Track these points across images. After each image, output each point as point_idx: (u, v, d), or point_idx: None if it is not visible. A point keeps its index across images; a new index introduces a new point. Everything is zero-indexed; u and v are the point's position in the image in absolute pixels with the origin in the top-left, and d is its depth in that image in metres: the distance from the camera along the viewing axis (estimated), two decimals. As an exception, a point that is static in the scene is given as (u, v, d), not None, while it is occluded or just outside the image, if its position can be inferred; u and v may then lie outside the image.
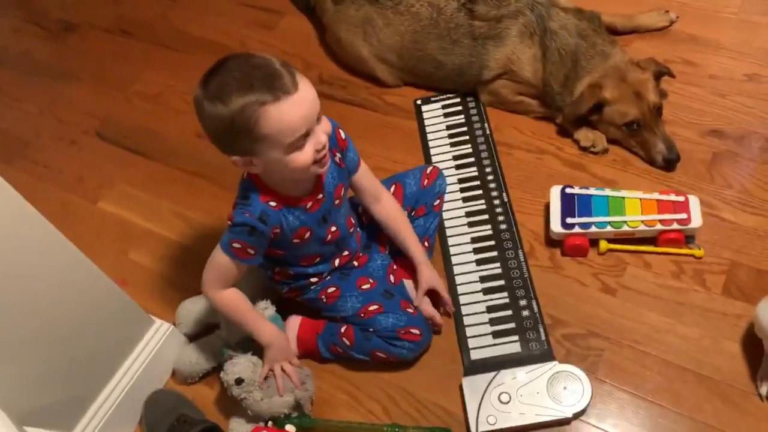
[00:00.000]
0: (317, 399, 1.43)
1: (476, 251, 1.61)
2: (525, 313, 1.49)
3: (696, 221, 1.49)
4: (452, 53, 1.84)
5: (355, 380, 1.47)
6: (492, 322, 1.49)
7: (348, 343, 1.42)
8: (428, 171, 1.59)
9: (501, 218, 1.65)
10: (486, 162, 1.77)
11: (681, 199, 1.53)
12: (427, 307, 1.47)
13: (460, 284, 1.56)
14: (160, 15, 2.43)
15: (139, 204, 1.88)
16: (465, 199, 1.70)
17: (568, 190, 1.58)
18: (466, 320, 1.50)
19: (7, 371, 1.14)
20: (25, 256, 1.11)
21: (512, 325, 1.48)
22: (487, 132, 1.84)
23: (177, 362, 1.49)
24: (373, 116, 1.95)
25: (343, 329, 1.43)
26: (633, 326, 1.45)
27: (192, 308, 1.54)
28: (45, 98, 2.24)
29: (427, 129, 1.88)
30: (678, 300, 1.47)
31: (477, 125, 1.85)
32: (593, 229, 1.52)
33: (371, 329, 1.40)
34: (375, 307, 1.41)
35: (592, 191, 1.57)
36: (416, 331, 1.40)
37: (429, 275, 1.46)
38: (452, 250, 1.62)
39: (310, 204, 1.30)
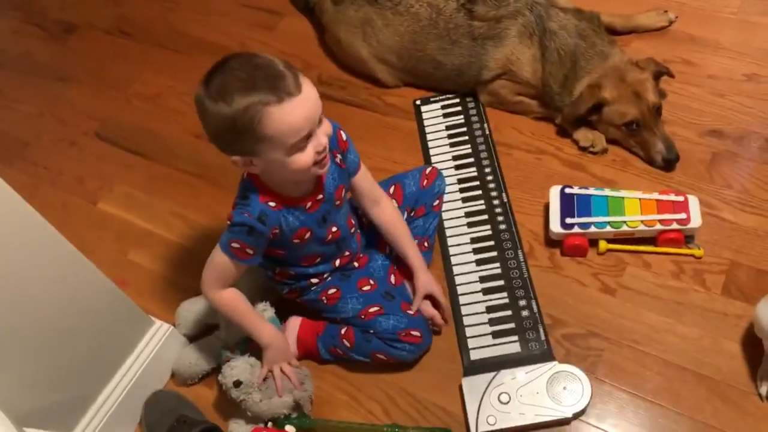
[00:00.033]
0: (317, 399, 1.43)
1: (476, 251, 1.61)
2: (525, 313, 1.49)
3: (695, 221, 1.50)
4: (451, 54, 1.84)
5: (355, 381, 1.47)
6: (492, 322, 1.49)
7: (348, 344, 1.42)
8: (427, 171, 1.59)
9: (500, 218, 1.65)
10: (485, 162, 1.77)
11: (680, 199, 1.53)
12: (427, 308, 1.46)
13: (459, 284, 1.56)
14: (160, 16, 2.43)
15: (138, 205, 1.88)
16: (464, 200, 1.70)
17: (567, 190, 1.58)
18: (466, 320, 1.50)
19: (6, 372, 1.14)
20: (25, 257, 1.12)
21: (512, 325, 1.48)
22: (487, 132, 1.84)
23: (176, 363, 1.49)
24: (373, 117, 1.95)
25: (343, 331, 1.43)
26: (633, 326, 1.45)
27: (191, 309, 1.55)
28: (45, 99, 2.24)
29: (427, 129, 1.88)
30: (678, 300, 1.47)
31: (476, 125, 1.86)
32: (592, 229, 1.53)
33: (371, 331, 1.39)
34: (375, 308, 1.41)
35: (591, 191, 1.58)
36: (417, 333, 1.40)
37: (425, 281, 1.46)
38: (452, 251, 1.62)
39: (309, 204, 1.30)
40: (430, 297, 1.47)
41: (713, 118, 1.75)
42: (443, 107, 1.92)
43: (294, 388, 1.37)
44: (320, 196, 1.30)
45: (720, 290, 1.47)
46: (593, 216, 1.53)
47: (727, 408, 1.32)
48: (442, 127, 1.88)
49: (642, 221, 1.51)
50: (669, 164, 1.66)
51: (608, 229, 1.52)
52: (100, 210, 1.90)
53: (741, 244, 1.53)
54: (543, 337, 1.45)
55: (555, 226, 1.54)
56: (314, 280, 1.44)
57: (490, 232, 1.63)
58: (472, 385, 1.38)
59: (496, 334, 1.47)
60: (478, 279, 1.56)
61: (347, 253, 1.46)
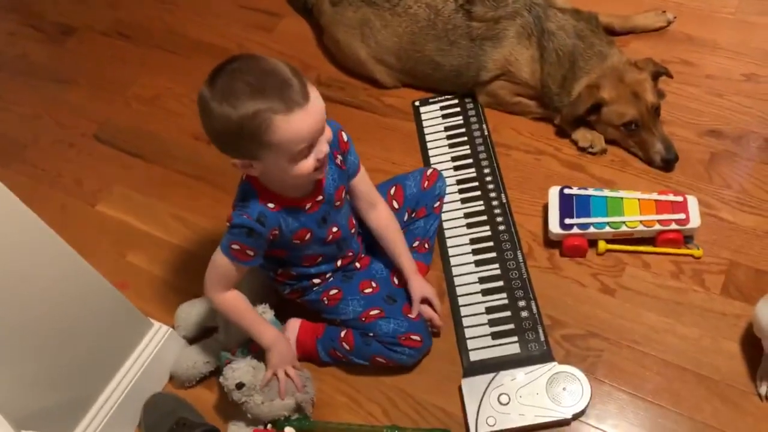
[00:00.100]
0: (317, 401, 1.43)
1: (475, 252, 1.61)
2: (524, 314, 1.49)
3: (694, 221, 1.50)
4: (450, 54, 1.84)
5: (355, 382, 1.46)
6: (491, 323, 1.49)
7: (348, 347, 1.42)
8: (428, 173, 1.59)
9: (499, 219, 1.65)
10: (484, 163, 1.77)
11: (679, 199, 1.53)
12: (426, 310, 1.46)
13: (459, 285, 1.56)
14: (158, 18, 2.43)
15: (137, 207, 1.88)
16: (463, 201, 1.70)
17: (566, 191, 1.58)
18: (465, 321, 1.50)
19: (5, 374, 1.14)
20: (24, 260, 1.11)
21: (511, 326, 1.48)
22: (486, 133, 1.84)
23: (175, 365, 1.49)
24: (372, 118, 1.95)
25: (342, 334, 1.43)
26: (632, 326, 1.45)
27: (190, 311, 1.54)
28: (43, 101, 2.24)
29: (426, 130, 1.88)
30: (677, 300, 1.47)
31: (475, 126, 1.86)
32: (592, 229, 1.53)
33: (371, 334, 1.39)
34: (376, 311, 1.41)
35: (590, 192, 1.58)
36: (417, 338, 1.40)
37: (419, 286, 1.45)
38: (451, 252, 1.62)
39: (309, 205, 1.30)
40: (425, 300, 1.46)
41: (712, 118, 1.76)
42: (442, 108, 1.92)
43: (296, 390, 1.37)
44: (320, 197, 1.30)
45: (719, 290, 1.47)
46: (592, 216, 1.53)
47: (727, 408, 1.32)
48: (441, 128, 1.88)
49: (641, 221, 1.51)
50: (668, 164, 1.66)
51: (607, 229, 1.52)
52: (99, 212, 1.90)
53: (740, 244, 1.53)
54: (542, 338, 1.45)
55: (554, 227, 1.54)
56: (316, 281, 1.44)
57: (489, 233, 1.63)
58: (472, 386, 1.38)
59: (495, 335, 1.47)
60: (477, 280, 1.56)
61: (349, 254, 1.46)
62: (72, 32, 2.47)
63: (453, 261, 1.60)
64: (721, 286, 1.47)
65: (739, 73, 1.83)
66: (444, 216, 1.67)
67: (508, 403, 1.34)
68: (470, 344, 1.47)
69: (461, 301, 1.53)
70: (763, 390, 1.31)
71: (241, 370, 1.33)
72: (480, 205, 1.69)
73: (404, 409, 1.41)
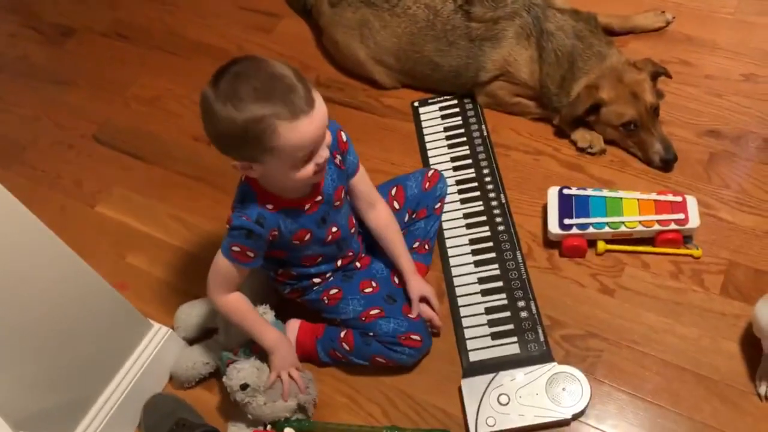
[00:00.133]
0: (317, 402, 1.43)
1: (474, 253, 1.61)
2: (523, 314, 1.49)
3: (694, 221, 1.50)
4: (449, 55, 1.84)
5: (355, 383, 1.47)
6: (490, 323, 1.49)
7: (347, 348, 1.42)
8: (429, 174, 1.59)
9: (499, 220, 1.65)
10: (483, 164, 1.77)
11: (678, 199, 1.53)
12: (425, 310, 1.46)
13: (458, 286, 1.56)
14: (157, 19, 2.43)
15: (137, 208, 1.88)
16: (463, 201, 1.70)
17: (565, 191, 1.58)
18: (465, 322, 1.50)
19: (4, 376, 1.14)
20: (23, 261, 1.11)
21: (511, 326, 1.48)
22: (485, 133, 1.84)
23: (175, 366, 1.49)
24: (371, 118, 1.95)
25: (342, 334, 1.43)
26: (631, 327, 1.45)
27: (190, 312, 1.54)
28: (42, 102, 2.24)
29: (425, 131, 1.88)
30: (676, 300, 1.47)
31: (474, 127, 1.86)
32: (591, 229, 1.53)
33: (371, 333, 1.39)
34: (376, 311, 1.41)
35: (589, 192, 1.58)
36: (417, 337, 1.40)
37: (417, 285, 1.45)
38: (450, 252, 1.62)
39: (308, 206, 1.30)
40: (424, 299, 1.46)
41: (711, 119, 1.76)
42: (441, 109, 1.92)
43: (299, 392, 1.37)
44: (319, 198, 1.30)
45: (718, 290, 1.47)
46: (591, 217, 1.53)
47: (726, 408, 1.32)
48: (440, 128, 1.88)
49: (640, 222, 1.52)
50: (667, 164, 1.66)
51: (606, 229, 1.52)
52: (99, 213, 1.90)
53: (739, 244, 1.53)
54: (542, 338, 1.45)
55: (553, 227, 1.54)
56: (316, 280, 1.44)
57: (488, 234, 1.63)
58: (472, 386, 1.38)
59: (495, 336, 1.47)
60: (476, 280, 1.56)
61: (350, 253, 1.46)
62: (71, 33, 2.47)
63: (452, 261, 1.60)
64: (721, 286, 1.47)
65: (738, 74, 1.84)
66: (443, 216, 1.67)
67: (507, 403, 1.34)
68: (470, 345, 1.47)
69: (461, 301, 1.54)
70: (762, 390, 1.31)
71: (245, 371, 1.33)
72: (479, 206, 1.69)
73: (404, 410, 1.42)
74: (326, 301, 1.45)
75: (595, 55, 1.70)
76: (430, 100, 1.95)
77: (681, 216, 1.50)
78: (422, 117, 1.92)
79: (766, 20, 1.94)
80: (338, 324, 1.46)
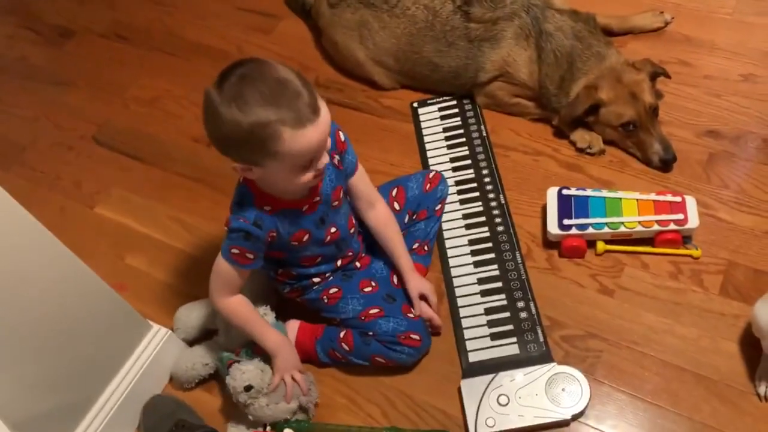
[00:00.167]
0: (318, 402, 1.43)
1: (474, 253, 1.61)
2: (523, 314, 1.49)
3: (693, 222, 1.50)
4: (448, 56, 1.84)
5: (354, 384, 1.46)
6: (490, 324, 1.49)
7: (347, 348, 1.42)
8: (431, 176, 1.59)
9: (498, 220, 1.65)
10: (483, 164, 1.77)
11: (678, 199, 1.53)
12: (425, 309, 1.46)
13: (457, 286, 1.56)
14: (157, 20, 2.43)
15: (136, 209, 1.88)
16: (462, 202, 1.70)
17: (564, 192, 1.58)
18: (464, 322, 1.50)
19: (3, 377, 1.14)
20: (22, 262, 1.11)
21: (510, 326, 1.48)
22: (484, 134, 1.84)
23: (174, 367, 1.49)
24: (370, 119, 1.96)
25: (342, 334, 1.43)
26: (631, 327, 1.45)
27: (189, 314, 1.54)
28: (41, 104, 2.24)
29: (424, 132, 1.88)
30: (676, 300, 1.47)
31: (473, 127, 1.86)
32: (590, 230, 1.53)
33: (371, 333, 1.39)
34: (376, 310, 1.41)
35: (588, 192, 1.58)
36: (416, 337, 1.40)
37: (416, 283, 1.45)
38: (450, 253, 1.62)
39: (306, 207, 1.30)
40: (422, 297, 1.46)
41: (710, 119, 1.76)
42: (440, 109, 1.92)
43: (301, 394, 1.38)
44: (317, 199, 1.30)
45: (718, 290, 1.47)
46: (591, 217, 1.53)
47: (726, 408, 1.32)
48: (439, 129, 1.88)
49: (639, 222, 1.52)
50: (666, 165, 1.66)
51: (606, 230, 1.52)
52: (98, 214, 1.90)
53: (738, 244, 1.53)
54: (541, 339, 1.45)
55: (552, 228, 1.54)
56: (316, 280, 1.44)
57: (487, 234, 1.63)
58: (471, 387, 1.38)
59: (494, 336, 1.47)
60: (476, 281, 1.56)
61: (349, 253, 1.46)
62: (70, 34, 2.47)
63: (452, 262, 1.60)
64: (720, 287, 1.47)
65: (737, 74, 1.84)
66: (443, 217, 1.67)
67: (507, 404, 1.34)
68: (469, 345, 1.47)
69: (460, 302, 1.53)
70: (761, 390, 1.31)
71: (250, 372, 1.33)
72: (479, 206, 1.69)
73: (403, 411, 1.41)
74: (326, 301, 1.45)
75: (594, 55, 1.70)
76: (429, 101, 1.95)
77: (680, 216, 1.50)
78: (421, 118, 1.92)
79: (764, 20, 1.95)
80: (338, 324, 1.46)
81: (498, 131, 1.84)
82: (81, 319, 1.27)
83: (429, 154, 1.83)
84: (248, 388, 1.32)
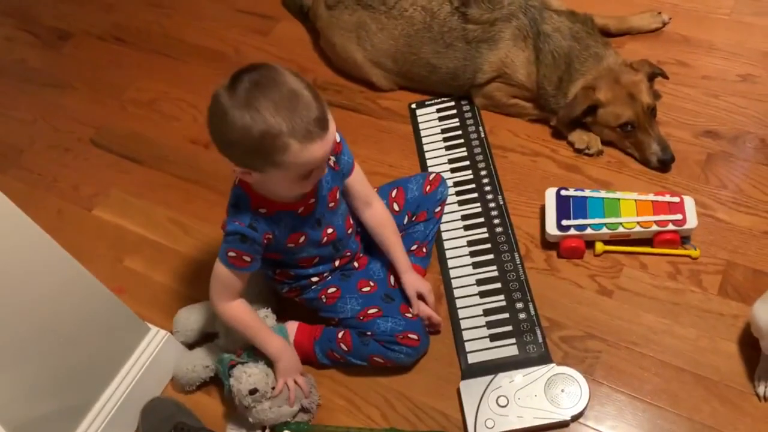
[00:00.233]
0: (320, 404, 1.44)
1: (472, 254, 1.61)
2: (522, 315, 1.49)
3: (691, 222, 1.50)
4: (446, 57, 1.84)
5: (353, 385, 1.46)
6: (489, 325, 1.49)
7: (345, 348, 1.42)
8: (431, 178, 1.59)
9: (497, 221, 1.65)
10: (481, 165, 1.77)
11: (676, 200, 1.53)
12: (423, 308, 1.46)
13: (456, 287, 1.56)
14: (154, 22, 2.43)
15: (134, 211, 1.88)
16: (461, 203, 1.70)
17: (563, 192, 1.58)
18: (463, 324, 1.50)
19: (1, 380, 1.14)
20: (20, 265, 1.11)
21: (509, 327, 1.48)
22: (482, 135, 1.84)
23: (176, 370, 1.48)
24: (368, 120, 1.95)
25: (340, 335, 1.43)
26: (630, 328, 1.45)
27: (189, 317, 1.54)
28: (39, 106, 2.24)
29: (422, 133, 1.88)
30: (674, 301, 1.47)
31: (472, 128, 1.86)
32: (589, 230, 1.53)
33: (369, 333, 1.39)
34: (374, 310, 1.41)
35: (587, 193, 1.58)
36: (414, 336, 1.40)
37: (412, 282, 1.45)
38: (448, 254, 1.62)
39: (302, 209, 1.30)
40: (419, 296, 1.46)
41: (708, 119, 1.76)
42: (438, 110, 1.92)
43: (303, 396, 1.38)
44: (312, 200, 1.30)
45: (716, 290, 1.47)
46: (589, 218, 1.53)
47: (725, 408, 1.32)
48: (438, 130, 1.88)
49: (638, 222, 1.52)
50: (664, 165, 1.67)
51: (604, 230, 1.52)
52: (96, 216, 1.90)
53: (737, 244, 1.53)
54: (540, 340, 1.45)
55: (551, 229, 1.54)
56: (314, 279, 1.44)
57: (486, 235, 1.63)
58: (470, 388, 1.38)
59: (493, 337, 1.47)
60: (475, 282, 1.56)
61: (347, 254, 1.46)
62: (68, 37, 2.47)
63: (450, 263, 1.60)
64: (719, 287, 1.47)
65: (735, 74, 1.84)
66: (441, 219, 1.67)
67: (506, 405, 1.34)
68: (468, 346, 1.47)
69: (459, 303, 1.53)
70: (761, 390, 1.31)
71: (255, 375, 1.33)
72: (477, 207, 1.69)
73: (402, 412, 1.41)
74: (324, 300, 1.45)
75: (591, 56, 1.70)
76: (427, 102, 1.95)
77: (679, 216, 1.50)
78: (419, 119, 1.92)
79: (762, 21, 1.95)
80: (336, 324, 1.46)
81: (496, 132, 1.85)
82: (79, 321, 1.26)
83: (427, 155, 1.83)
84: (253, 392, 1.32)
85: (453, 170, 1.78)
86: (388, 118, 1.95)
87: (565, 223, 1.53)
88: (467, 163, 1.78)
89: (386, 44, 1.90)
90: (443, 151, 1.83)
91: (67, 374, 1.27)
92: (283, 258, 1.38)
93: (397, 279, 1.48)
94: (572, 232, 1.53)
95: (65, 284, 1.21)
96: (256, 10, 2.36)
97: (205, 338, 1.54)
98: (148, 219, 1.85)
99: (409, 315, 1.42)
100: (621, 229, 1.52)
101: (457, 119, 1.89)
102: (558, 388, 1.35)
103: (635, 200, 1.55)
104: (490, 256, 1.59)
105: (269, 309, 1.44)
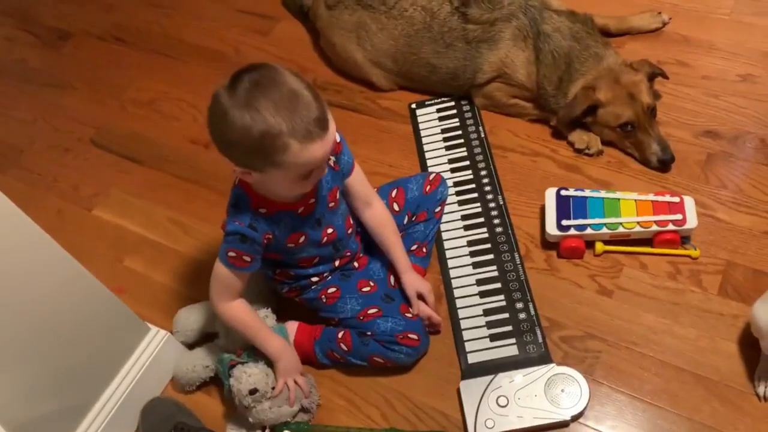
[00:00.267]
0: (320, 403, 1.43)
1: (472, 254, 1.61)
2: (522, 315, 1.49)
3: (691, 222, 1.50)
4: (446, 57, 1.84)
5: (353, 385, 1.46)
6: (489, 325, 1.49)
7: (345, 348, 1.42)
8: (431, 178, 1.59)
9: (497, 221, 1.65)
10: (481, 165, 1.77)
11: (676, 199, 1.53)
12: (423, 307, 1.46)
13: (456, 288, 1.56)
14: (154, 22, 2.43)
15: (134, 211, 1.88)
16: (461, 203, 1.70)
17: (563, 192, 1.58)
18: (463, 324, 1.50)
19: (0, 380, 1.14)
20: (20, 265, 1.11)
21: (509, 328, 1.48)
22: (482, 135, 1.84)
23: (176, 370, 1.48)
24: (368, 121, 1.95)
25: (340, 335, 1.43)
26: (630, 328, 1.45)
27: (189, 317, 1.54)
28: (39, 106, 2.24)
29: (422, 133, 1.88)
30: (674, 301, 1.47)
31: (472, 128, 1.86)
32: (589, 230, 1.53)
33: (369, 333, 1.39)
34: (374, 310, 1.41)
35: (587, 193, 1.58)
36: (414, 336, 1.40)
37: (412, 282, 1.45)
38: (448, 254, 1.62)
39: (302, 209, 1.30)
40: (419, 296, 1.46)
41: (708, 119, 1.76)
42: (438, 110, 1.92)
43: (304, 396, 1.38)
44: (312, 200, 1.30)
45: (716, 290, 1.47)
46: (589, 218, 1.53)
47: (725, 408, 1.32)
48: (438, 130, 1.88)
49: (638, 222, 1.52)
50: (664, 165, 1.67)
51: (604, 230, 1.52)
52: (96, 216, 1.90)
53: (737, 244, 1.53)
54: (540, 340, 1.45)
55: (551, 229, 1.54)
56: (314, 279, 1.44)
57: (486, 235, 1.63)
58: (470, 388, 1.38)
59: (493, 337, 1.47)
60: (474, 282, 1.56)
61: (347, 254, 1.46)
62: (68, 37, 2.47)
63: (450, 263, 1.60)
64: (719, 287, 1.47)
65: (735, 74, 1.84)
66: (442, 218, 1.67)
67: (506, 405, 1.34)
68: (468, 346, 1.47)
69: (459, 303, 1.53)
70: (761, 390, 1.31)
71: (256, 376, 1.33)
72: (477, 208, 1.69)
73: (402, 412, 1.41)
74: (324, 300, 1.45)
75: (591, 56, 1.70)
76: (427, 102, 1.95)
77: (679, 216, 1.50)
78: (419, 119, 1.92)
79: (762, 21, 1.95)
80: (336, 324, 1.46)
81: (496, 132, 1.85)
82: (79, 321, 1.26)
83: (427, 155, 1.83)
84: (253, 392, 1.32)
85: (453, 170, 1.78)
86: (388, 118, 1.95)
87: (565, 223, 1.53)
88: (467, 163, 1.78)
89: (386, 44, 1.90)
90: (443, 151, 1.83)
91: (67, 374, 1.27)
92: (283, 258, 1.38)
93: (397, 279, 1.48)
94: (572, 232, 1.53)
95: (65, 284, 1.21)
96: (256, 10, 2.36)
97: (205, 338, 1.54)
98: (148, 219, 1.85)
99: (409, 315, 1.42)
100: (621, 229, 1.52)
101: (457, 119, 1.89)
102: (558, 388, 1.35)
103: (635, 200, 1.55)
104: (490, 256, 1.59)
105: (269, 309, 1.44)
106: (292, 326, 1.49)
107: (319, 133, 1.10)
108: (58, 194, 1.97)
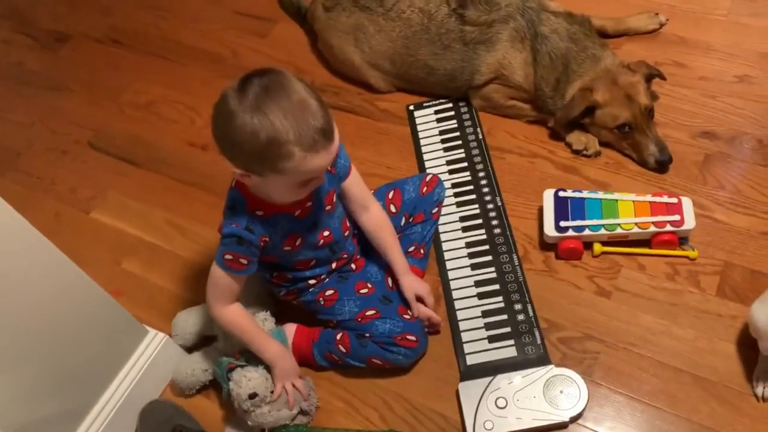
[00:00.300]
0: (319, 406, 1.43)
1: (471, 256, 1.61)
2: (520, 317, 1.49)
3: (689, 223, 1.50)
4: (444, 58, 1.84)
5: (352, 387, 1.46)
6: (487, 326, 1.49)
7: (344, 350, 1.42)
8: (428, 179, 1.59)
9: (495, 223, 1.65)
10: (479, 167, 1.77)
11: (674, 200, 1.53)
12: (422, 309, 1.46)
13: (455, 289, 1.56)
14: (152, 24, 2.43)
15: (132, 214, 1.88)
16: (459, 204, 1.70)
17: (561, 194, 1.58)
18: (462, 325, 1.50)
19: (-1, 384, 1.14)
20: (18, 268, 1.11)
21: (507, 329, 1.48)
22: (480, 137, 1.84)
23: (175, 374, 1.48)
24: (366, 122, 1.96)
25: (338, 336, 1.43)
26: (628, 328, 1.45)
27: (188, 320, 1.54)
28: (36, 109, 2.24)
29: (420, 135, 1.88)
30: (672, 302, 1.47)
31: (469, 130, 1.86)
32: (587, 232, 1.53)
33: (367, 334, 1.39)
34: (372, 312, 1.41)
35: (585, 194, 1.58)
36: (412, 338, 1.40)
37: (410, 284, 1.45)
38: (447, 255, 1.62)
39: (298, 212, 1.30)
40: (418, 298, 1.46)
41: (705, 120, 1.76)
42: (436, 112, 1.92)
43: (302, 399, 1.38)
44: (309, 203, 1.30)
45: (714, 291, 1.47)
46: (587, 219, 1.53)
47: (724, 409, 1.32)
48: (436, 132, 1.88)
49: (636, 223, 1.52)
50: (662, 166, 1.67)
51: (602, 231, 1.53)
52: (93, 219, 1.90)
53: (734, 245, 1.53)
54: (539, 341, 1.45)
55: (549, 230, 1.54)
56: (312, 282, 1.44)
57: (484, 237, 1.63)
58: (469, 390, 1.38)
59: (492, 339, 1.47)
60: (473, 283, 1.56)
61: (344, 256, 1.46)
62: (66, 39, 2.47)
63: (449, 265, 1.60)
64: (717, 287, 1.47)
65: (732, 75, 1.84)
66: (440, 220, 1.67)
67: (505, 406, 1.34)
68: (467, 348, 1.47)
69: (457, 304, 1.53)
70: (759, 391, 1.32)
71: (256, 380, 1.32)
72: (475, 209, 1.69)
73: (401, 414, 1.41)
74: (322, 302, 1.45)
75: (589, 57, 1.71)
76: (425, 104, 1.95)
77: (676, 217, 1.50)
78: (417, 121, 1.92)
79: (759, 22, 1.95)
80: (334, 326, 1.46)
81: (494, 134, 1.85)
82: (77, 324, 1.26)
83: (425, 156, 1.83)
84: (253, 396, 1.32)
85: (451, 172, 1.78)
86: (385, 119, 1.95)
87: (563, 224, 1.54)
88: (465, 164, 1.79)
89: (384, 46, 1.90)
90: (441, 153, 1.83)
91: (66, 377, 1.27)
92: (279, 261, 1.38)
93: (395, 281, 1.48)
94: (570, 233, 1.53)
95: (63, 287, 1.21)
96: (254, 12, 2.36)
97: (203, 341, 1.54)
98: (146, 221, 1.85)
99: (408, 316, 1.42)
100: (619, 230, 1.52)
101: (454, 121, 1.89)
102: (557, 390, 1.35)
103: (633, 201, 1.55)
104: (489, 258, 1.59)
105: (268, 312, 1.44)
106: (290, 329, 1.49)
107: (324, 143, 1.10)
108: (55, 197, 1.97)
